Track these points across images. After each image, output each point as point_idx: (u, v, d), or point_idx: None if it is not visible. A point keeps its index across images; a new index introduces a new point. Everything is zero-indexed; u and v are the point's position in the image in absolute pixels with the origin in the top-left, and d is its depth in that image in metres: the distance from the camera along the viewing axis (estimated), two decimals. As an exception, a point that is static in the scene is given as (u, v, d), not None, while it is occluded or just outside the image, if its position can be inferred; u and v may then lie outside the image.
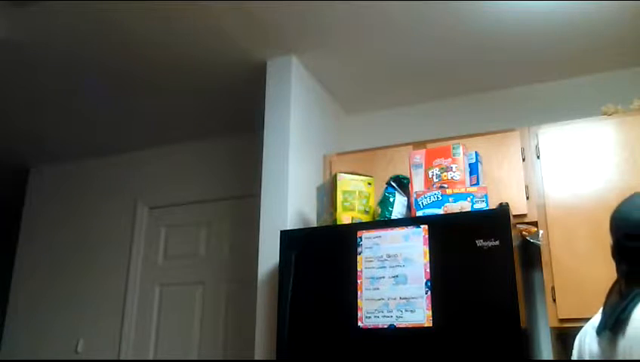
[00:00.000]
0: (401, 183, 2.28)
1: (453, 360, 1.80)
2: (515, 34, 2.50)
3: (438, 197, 2.07)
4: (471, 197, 2.02)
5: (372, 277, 1.99)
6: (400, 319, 1.90)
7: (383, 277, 1.97)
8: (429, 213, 2.06)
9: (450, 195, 2.05)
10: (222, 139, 3.56)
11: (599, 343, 1.22)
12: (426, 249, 1.94)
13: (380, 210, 2.22)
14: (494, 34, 2.51)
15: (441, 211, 2.05)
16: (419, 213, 2.08)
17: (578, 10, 2.34)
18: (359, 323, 1.96)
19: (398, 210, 2.21)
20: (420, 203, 2.10)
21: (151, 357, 3.35)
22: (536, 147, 2.39)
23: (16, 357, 3.62)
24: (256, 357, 2.35)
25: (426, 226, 1.97)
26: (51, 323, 3.64)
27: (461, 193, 2.04)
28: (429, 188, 2.15)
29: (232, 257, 3.33)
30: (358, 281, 2.01)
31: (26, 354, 3.60)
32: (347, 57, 2.73)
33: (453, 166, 2.16)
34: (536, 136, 2.40)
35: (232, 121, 3.36)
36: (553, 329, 2.23)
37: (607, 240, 1.34)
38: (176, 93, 3.07)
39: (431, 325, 1.85)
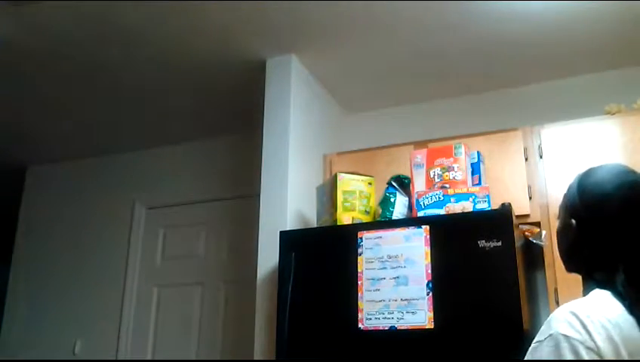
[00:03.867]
0: (402, 183, 2.25)
1: (455, 362, 1.78)
2: (517, 34, 2.48)
3: (439, 198, 2.05)
4: (473, 197, 2.00)
5: (373, 278, 1.96)
6: (401, 320, 1.88)
7: (384, 278, 1.94)
8: (431, 213, 2.04)
9: (451, 195, 2.03)
10: (221, 139, 3.53)
11: None
12: (428, 249, 1.92)
13: (380, 210, 2.20)
14: (495, 34, 2.49)
15: (442, 211, 2.02)
16: (420, 214, 2.06)
17: (580, 10, 2.32)
18: (360, 325, 1.94)
19: (399, 210, 2.18)
20: (422, 203, 2.07)
21: (149, 359, 3.32)
22: (539, 146, 2.37)
23: (14, 358, 3.60)
24: (256, 358, 2.33)
25: (428, 227, 1.94)
26: (49, 324, 3.61)
27: (463, 193, 2.02)
28: (430, 188, 2.13)
29: (231, 258, 3.31)
30: (359, 282, 1.98)
31: (24, 354, 3.57)
32: (347, 57, 2.71)
33: (455, 166, 2.13)
34: (539, 135, 2.38)
35: (231, 120, 3.34)
36: (556, 331, 2.20)
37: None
38: (175, 93, 3.05)
39: (432, 327, 1.83)
